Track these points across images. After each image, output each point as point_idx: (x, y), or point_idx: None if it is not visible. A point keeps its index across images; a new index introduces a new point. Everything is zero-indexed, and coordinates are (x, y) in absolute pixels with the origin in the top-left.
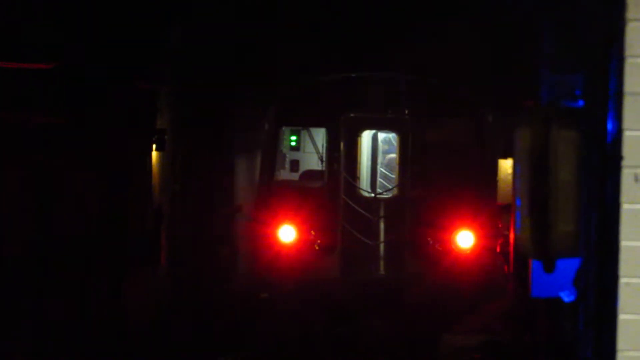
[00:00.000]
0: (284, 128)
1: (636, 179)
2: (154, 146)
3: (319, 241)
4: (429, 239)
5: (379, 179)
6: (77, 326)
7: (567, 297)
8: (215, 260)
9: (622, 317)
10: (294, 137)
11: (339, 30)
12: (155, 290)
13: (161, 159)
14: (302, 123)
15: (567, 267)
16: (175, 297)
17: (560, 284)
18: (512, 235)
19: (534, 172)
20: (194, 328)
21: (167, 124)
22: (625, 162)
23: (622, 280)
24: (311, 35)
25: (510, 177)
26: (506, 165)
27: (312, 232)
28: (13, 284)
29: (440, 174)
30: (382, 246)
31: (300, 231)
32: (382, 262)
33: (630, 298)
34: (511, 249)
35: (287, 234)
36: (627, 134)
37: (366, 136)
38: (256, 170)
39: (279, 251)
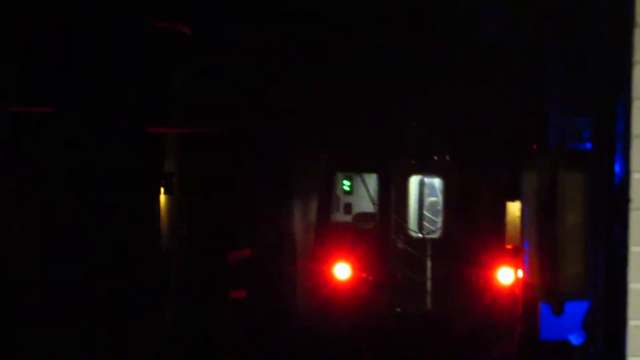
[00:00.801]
0: (338, 173)
1: None
2: (162, 190)
3: (371, 278)
4: (472, 275)
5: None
6: None
7: (575, 339)
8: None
9: (631, 359)
10: (347, 182)
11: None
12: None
13: (169, 202)
14: (355, 169)
15: (576, 309)
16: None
17: (569, 326)
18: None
19: (542, 214)
20: None
21: (175, 167)
22: (633, 205)
23: (631, 323)
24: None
25: (518, 220)
26: (514, 208)
27: (365, 270)
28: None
29: (482, 215)
30: (429, 282)
31: (354, 269)
32: (429, 297)
33: (638, 341)
34: (519, 291)
35: (342, 271)
36: (635, 177)
37: (413, 181)
38: (312, 212)
39: (334, 287)
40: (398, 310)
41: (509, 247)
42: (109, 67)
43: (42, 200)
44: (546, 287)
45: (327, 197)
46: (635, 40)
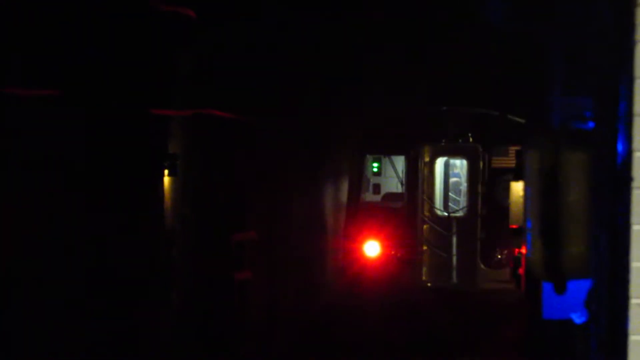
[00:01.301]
0: (367, 156)
1: None
2: (166, 171)
3: (400, 255)
4: (495, 251)
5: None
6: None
7: (578, 318)
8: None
9: (633, 338)
10: (376, 164)
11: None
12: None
13: (173, 183)
14: (384, 151)
15: (578, 288)
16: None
17: (572, 305)
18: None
19: (545, 194)
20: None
21: (180, 149)
22: (635, 183)
23: (633, 301)
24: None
25: (522, 200)
26: (518, 188)
27: (393, 247)
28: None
29: (503, 195)
30: (454, 258)
31: (383, 246)
32: (454, 272)
33: None
34: (523, 271)
35: (372, 248)
36: (638, 155)
37: (439, 162)
38: (343, 193)
39: (365, 263)
40: (426, 284)
41: (513, 226)
42: (113, 49)
43: (45, 183)
44: (549, 266)
45: (357, 178)
46: (637, 19)
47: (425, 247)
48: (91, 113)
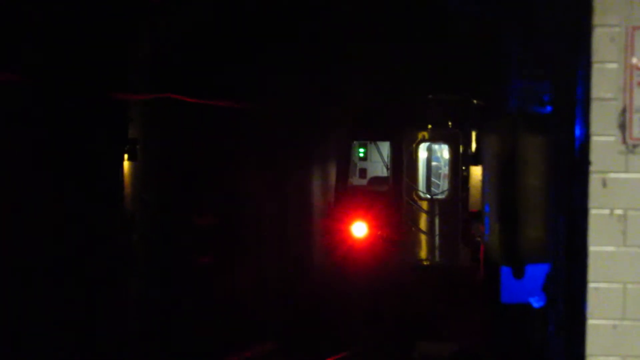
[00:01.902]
0: (354, 142)
1: (604, 184)
2: (126, 156)
3: (385, 235)
4: (473, 232)
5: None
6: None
7: (536, 302)
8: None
9: (591, 322)
10: (362, 150)
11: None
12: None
13: (133, 168)
14: (370, 137)
15: (537, 272)
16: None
17: (530, 289)
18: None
19: (502, 178)
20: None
21: (140, 133)
22: (592, 168)
23: (591, 285)
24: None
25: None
26: (477, 172)
27: (379, 228)
28: None
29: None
30: (437, 238)
31: (370, 227)
32: (437, 252)
33: (598, 303)
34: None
35: (359, 229)
36: (595, 139)
37: (422, 148)
38: (331, 177)
39: (352, 243)
40: (409, 262)
41: (473, 210)
42: (72, 33)
43: (2, 168)
44: (507, 251)
45: (345, 163)
46: (594, 3)
47: (409, 228)
48: (50, 98)
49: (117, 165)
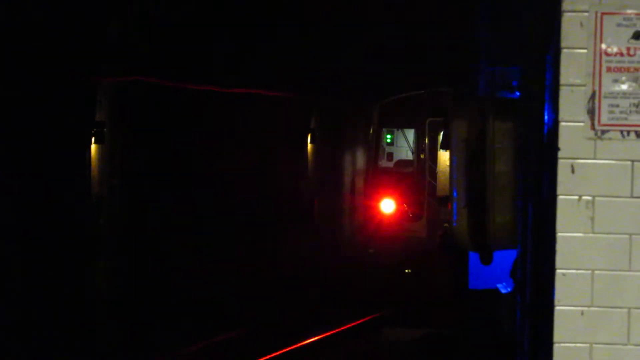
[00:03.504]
0: (383, 129)
1: (572, 170)
2: (93, 139)
3: (410, 211)
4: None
5: None
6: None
7: (504, 288)
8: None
9: (559, 308)
10: (389, 136)
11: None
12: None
13: (100, 152)
14: (397, 125)
15: (504, 258)
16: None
17: (498, 275)
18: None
19: (470, 163)
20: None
21: (107, 116)
22: (561, 153)
23: (559, 272)
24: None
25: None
26: (446, 157)
27: (405, 205)
28: None
29: None
30: None
31: (397, 203)
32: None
33: (566, 289)
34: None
35: (387, 205)
36: (563, 125)
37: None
38: (360, 160)
39: (381, 218)
40: (430, 235)
41: (440, 195)
42: (40, 14)
43: None
44: (475, 237)
45: (375, 147)
46: None
47: (430, 204)
48: (15, 79)
49: (83, 149)
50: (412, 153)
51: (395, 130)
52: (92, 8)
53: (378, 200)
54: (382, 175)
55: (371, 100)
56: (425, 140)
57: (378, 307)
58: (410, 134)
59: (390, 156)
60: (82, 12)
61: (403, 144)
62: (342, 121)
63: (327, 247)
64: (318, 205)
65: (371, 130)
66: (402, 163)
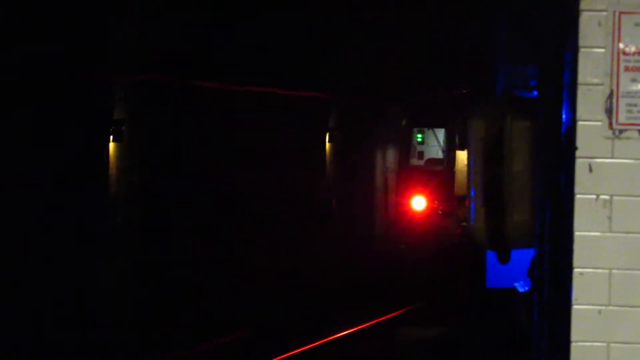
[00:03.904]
0: (414, 129)
1: (590, 169)
2: (112, 137)
3: (440, 207)
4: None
5: None
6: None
7: (521, 287)
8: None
9: (576, 307)
10: (420, 135)
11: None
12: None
13: (118, 150)
14: (427, 125)
15: (522, 257)
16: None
17: (515, 274)
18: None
19: (488, 162)
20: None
21: (126, 115)
22: (579, 152)
23: (576, 271)
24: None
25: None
26: (463, 156)
27: (435, 201)
28: None
29: None
30: None
31: (427, 200)
32: None
33: (583, 288)
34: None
35: (418, 202)
36: (581, 124)
37: None
38: (390, 159)
39: (412, 215)
40: (459, 230)
41: (458, 194)
42: (57, 13)
43: None
44: (492, 236)
45: (407, 146)
46: None
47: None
48: (35, 79)
49: (102, 147)
50: (443, 152)
51: (425, 129)
52: (110, 5)
53: (409, 198)
54: (413, 173)
55: (389, 99)
56: (455, 138)
57: (409, 302)
58: (441, 133)
59: (420, 155)
60: (100, 10)
61: (434, 143)
62: (361, 120)
63: (347, 246)
64: (337, 205)
65: (402, 127)
66: (433, 161)
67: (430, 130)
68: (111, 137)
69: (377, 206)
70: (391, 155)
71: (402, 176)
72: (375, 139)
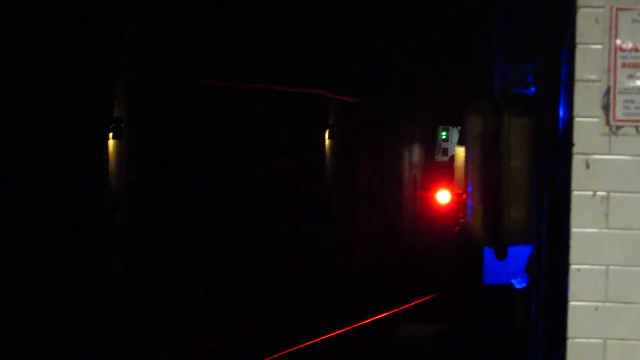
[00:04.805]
0: (439, 127)
1: (587, 166)
2: (111, 135)
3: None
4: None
5: None
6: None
7: (518, 284)
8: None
9: (573, 303)
10: (444, 133)
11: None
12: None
13: (118, 147)
14: (451, 123)
15: (519, 254)
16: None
17: (512, 271)
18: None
19: (486, 159)
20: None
21: (125, 112)
22: (576, 149)
23: (573, 267)
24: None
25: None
26: (462, 153)
27: (460, 195)
28: None
29: None
30: None
31: (452, 194)
32: None
33: (580, 285)
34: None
35: (443, 196)
36: (578, 121)
37: None
38: (415, 156)
39: (437, 208)
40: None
41: (458, 191)
42: (56, 10)
43: None
44: (489, 232)
45: (432, 143)
46: None
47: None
48: (33, 76)
49: (101, 144)
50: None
51: (449, 127)
52: (110, 4)
53: (434, 191)
54: (438, 169)
55: (416, 98)
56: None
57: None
58: None
59: (445, 151)
60: (101, 8)
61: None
62: (361, 118)
63: (349, 244)
64: (336, 202)
65: (428, 129)
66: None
67: (455, 128)
68: (110, 134)
69: (405, 199)
70: (416, 153)
71: (428, 171)
72: (403, 136)
